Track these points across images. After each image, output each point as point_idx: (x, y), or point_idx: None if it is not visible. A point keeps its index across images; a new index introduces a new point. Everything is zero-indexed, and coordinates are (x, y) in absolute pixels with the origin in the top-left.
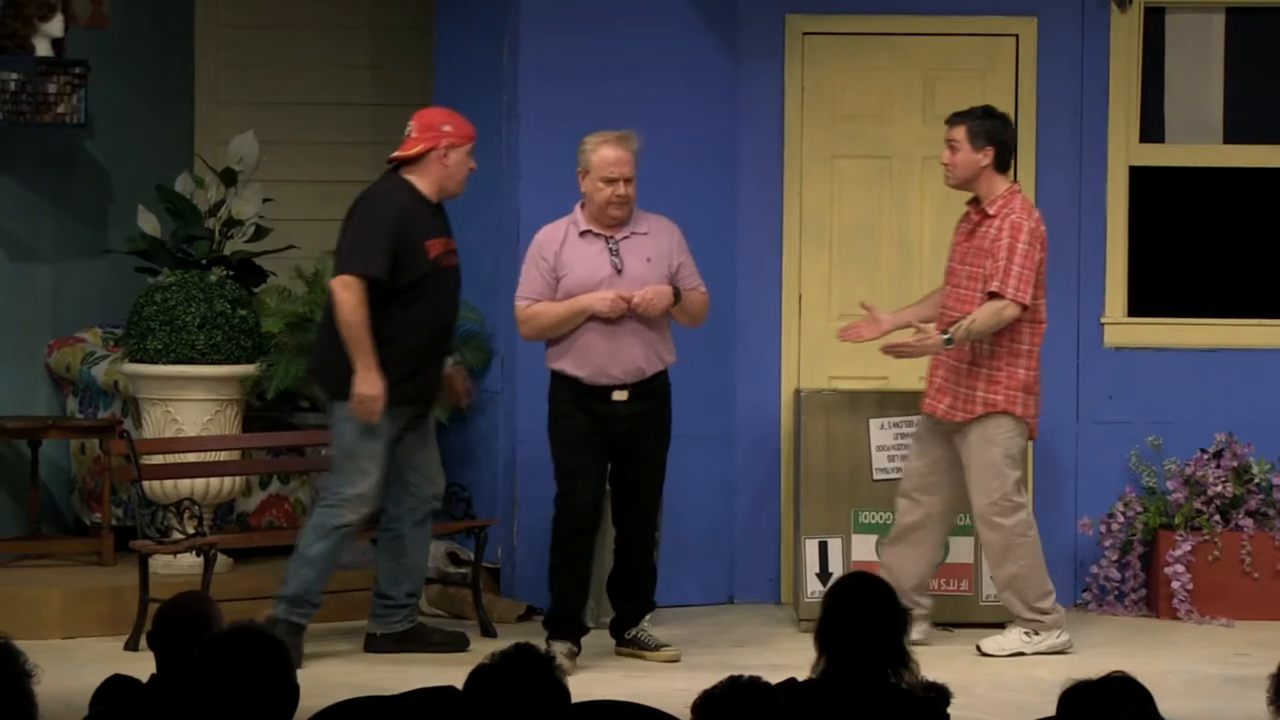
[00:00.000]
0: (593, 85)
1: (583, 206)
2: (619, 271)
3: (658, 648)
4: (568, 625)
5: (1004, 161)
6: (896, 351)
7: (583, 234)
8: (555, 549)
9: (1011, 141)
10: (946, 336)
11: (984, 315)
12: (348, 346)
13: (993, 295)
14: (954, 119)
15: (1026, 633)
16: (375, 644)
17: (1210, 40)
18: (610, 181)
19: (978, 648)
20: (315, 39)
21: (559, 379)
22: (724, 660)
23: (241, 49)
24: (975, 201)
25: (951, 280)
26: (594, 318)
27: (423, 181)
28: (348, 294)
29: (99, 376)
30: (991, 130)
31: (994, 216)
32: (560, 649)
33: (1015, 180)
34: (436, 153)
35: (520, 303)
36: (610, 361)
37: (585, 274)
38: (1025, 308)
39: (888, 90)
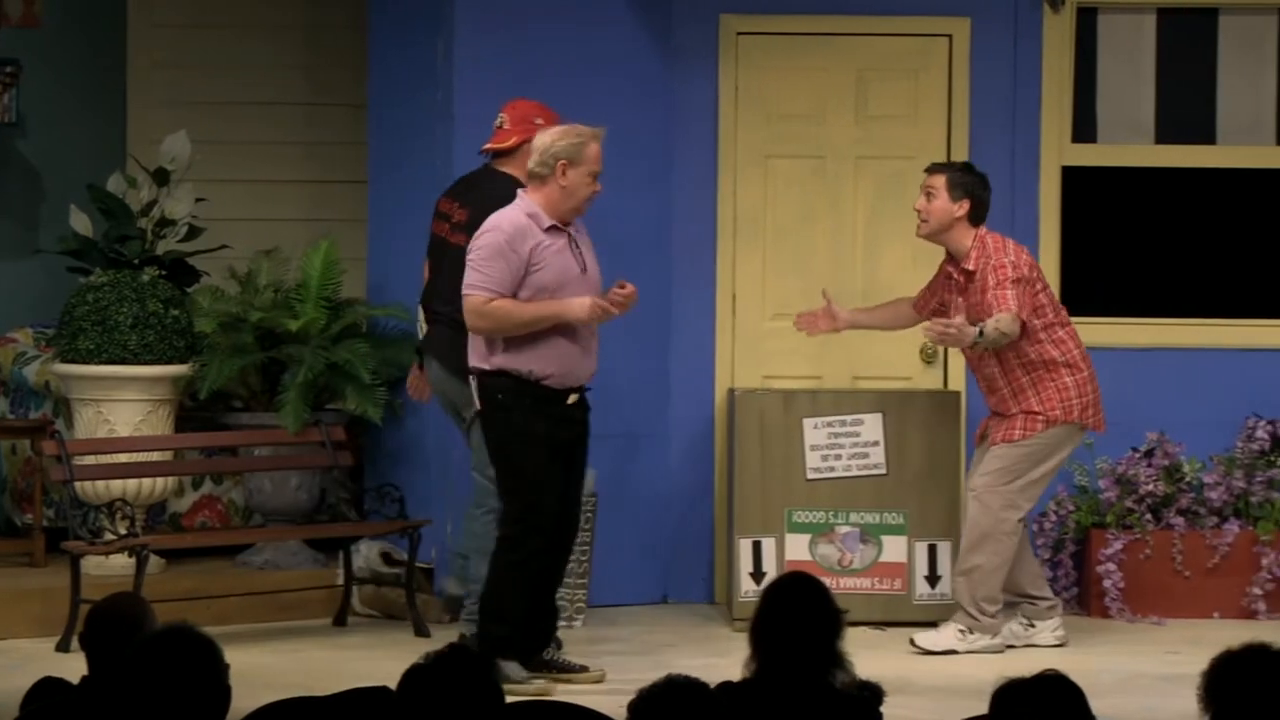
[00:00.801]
0: (527, 84)
1: (530, 197)
2: (584, 270)
3: (582, 669)
4: (529, 645)
5: (977, 217)
6: (937, 333)
7: (548, 229)
8: (521, 565)
9: (987, 199)
10: (978, 329)
11: (1004, 318)
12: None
13: None
14: (934, 168)
15: (961, 630)
16: (455, 604)
17: (1142, 41)
18: (596, 177)
19: (911, 641)
20: (248, 39)
21: (515, 380)
22: (658, 660)
23: (174, 48)
24: (952, 259)
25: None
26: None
27: (519, 174)
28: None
29: (30, 377)
30: (970, 184)
31: (974, 272)
32: (521, 673)
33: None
34: (530, 144)
35: (482, 294)
36: (577, 365)
37: (560, 270)
38: (1023, 323)
39: (821, 90)
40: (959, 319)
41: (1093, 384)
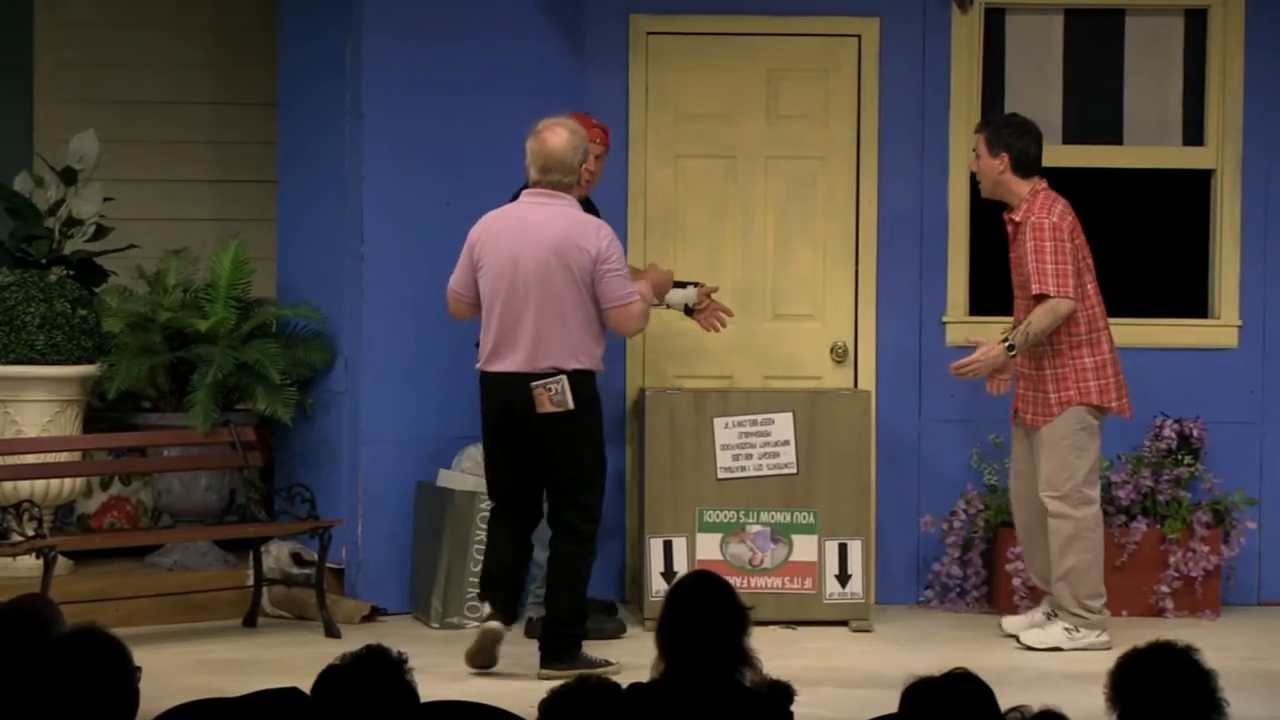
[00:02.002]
0: (437, 85)
1: (570, 198)
2: None
3: None
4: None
5: (1023, 167)
6: (964, 371)
7: None
8: (592, 564)
9: (1030, 147)
10: (1008, 344)
11: (1039, 317)
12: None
13: (1040, 298)
14: (978, 126)
15: (1068, 628)
16: (534, 627)
17: (1050, 41)
18: None
19: (1016, 639)
20: (157, 37)
21: (594, 379)
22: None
23: (82, 47)
24: (1008, 210)
25: (1017, 291)
26: None
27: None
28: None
29: None
30: (1007, 137)
31: (1021, 223)
32: (598, 657)
33: (1040, 178)
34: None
35: (638, 297)
36: None
37: None
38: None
39: (732, 90)
40: (979, 350)
41: (1114, 366)
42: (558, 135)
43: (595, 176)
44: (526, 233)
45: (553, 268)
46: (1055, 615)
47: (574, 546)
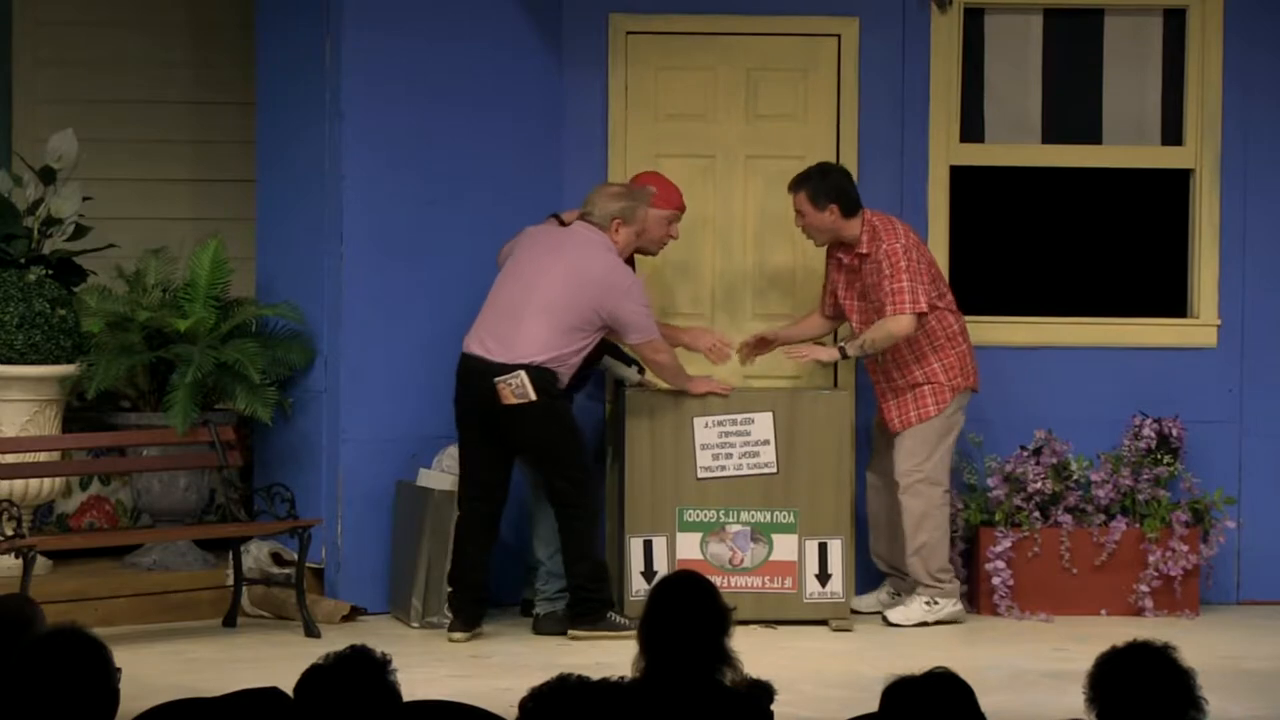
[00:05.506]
0: (417, 83)
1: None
2: None
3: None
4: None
5: (850, 208)
6: (795, 356)
7: None
8: (594, 517)
9: (849, 187)
10: (841, 347)
11: (875, 331)
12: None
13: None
14: (792, 186)
15: (927, 602)
16: (542, 624)
17: (1029, 41)
18: None
19: (884, 618)
20: (135, 36)
21: (557, 376)
22: (550, 659)
23: (60, 46)
24: (844, 246)
25: (854, 318)
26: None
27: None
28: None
29: None
30: (829, 187)
31: (868, 254)
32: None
33: (863, 209)
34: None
35: (656, 334)
36: None
37: None
38: (923, 314)
39: (711, 89)
40: (803, 347)
41: (966, 356)
42: (611, 184)
43: (651, 226)
44: (561, 249)
45: (566, 285)
46: (900, 595)
47: (577, 519)
